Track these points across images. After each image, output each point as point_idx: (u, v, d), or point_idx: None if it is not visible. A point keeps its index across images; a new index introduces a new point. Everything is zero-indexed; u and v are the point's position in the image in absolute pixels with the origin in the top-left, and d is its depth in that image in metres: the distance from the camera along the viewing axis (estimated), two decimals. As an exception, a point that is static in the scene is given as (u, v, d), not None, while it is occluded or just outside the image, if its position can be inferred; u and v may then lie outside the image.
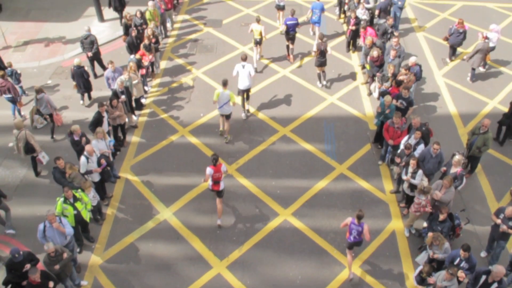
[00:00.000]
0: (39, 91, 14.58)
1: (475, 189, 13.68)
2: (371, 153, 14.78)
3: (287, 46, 18.73)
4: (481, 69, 18.15)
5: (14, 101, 15.47)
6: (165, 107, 16.46)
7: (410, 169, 12.04)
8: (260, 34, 17.83)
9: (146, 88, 16.96)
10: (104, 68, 17.35)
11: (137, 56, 16.22)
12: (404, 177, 12.29)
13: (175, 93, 17.04)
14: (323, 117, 15.97)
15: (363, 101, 16.80)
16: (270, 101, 16.70)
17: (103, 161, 12.33)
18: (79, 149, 12.81)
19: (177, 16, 21.67)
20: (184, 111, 16.27)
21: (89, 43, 17.05)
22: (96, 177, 12.51)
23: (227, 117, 14.87)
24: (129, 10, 19.45)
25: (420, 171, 11.95)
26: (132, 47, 16.90)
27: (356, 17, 18.19)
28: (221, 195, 12.43)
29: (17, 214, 12.61)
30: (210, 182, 12.14)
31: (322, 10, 19.02)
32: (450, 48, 18.53)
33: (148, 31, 16.96)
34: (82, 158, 12.10)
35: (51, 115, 15.06)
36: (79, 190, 11.38)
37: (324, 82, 17.56)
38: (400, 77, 14.89)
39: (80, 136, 12.90)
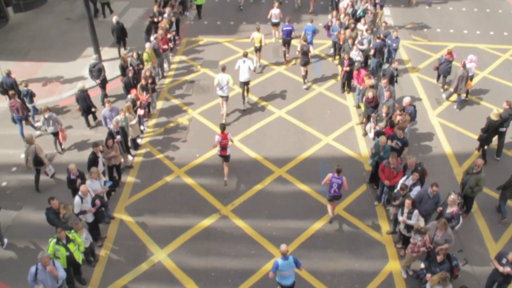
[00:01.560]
0: (46, 110, 15.27)
1: (472, 229, 13.57)
2: (367, 193, 14.74)
3: (284, 51, 21.17)
4: (463, 97, 18.76)
5: (22, 120, 16.23)
6: (161, 147, 16.47)
7: (406, 210, 11.98)
8: (260, 41, 20.14)
9: (142, 128, 17.02)
10: (105, 95, 18.66)
11: (132, 96, 16.32)
12: (400, 218, 12.22)
13: (171, 134, 17.08)
14: (319, 158, 16.01)
15: (358, 141, 16.88)
16: (266, 142, 16.75)
17: (97, 202, 12.24)
18: (73, 187, 12.74)
19: (174, 57, 21.99)
20: (180, 152, 16.27)
21: (97, 70, 18.02)
22: (90, 218, 12.38)
23: (226, 99, 17.28)
24: (127, 52, 19.79)
25: (416, 211, 11.89)
26: (129, 88, 17.04)
27: (350, 59, 18.50)
28: (228, 160, 14.75)
29: (7, 255, 12.42)
30: (218, 148, 14.44)
31: (314, 32, 20.74)
32: (442, 77, 19.54)
33: (145, 72, 17.18)
34: (76, 198, 12.00)
35: (57, 134, 15.75)
36: (72, 231, 11.24)
37: (308, 84, 19.78)
38: (396, 118, 15.02)
39: (77, 176, 12.85)
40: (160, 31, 19.90)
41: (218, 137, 14.29)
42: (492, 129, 15.49)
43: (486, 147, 15.97)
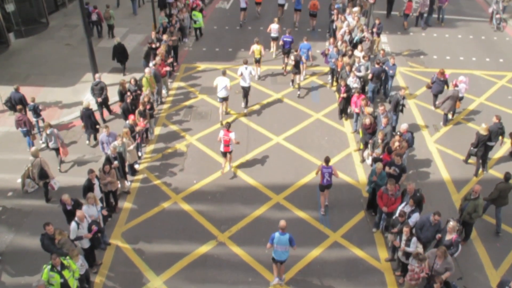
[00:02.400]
0: (47, 126, 15.84)
1: (472, 256, 13.47)
2: (365, 220, 14.65)
3: (283, 61, 22.66)
4: (449, 116, 19.31)
5: (29, 133, 16.87)
6: (159, 173, 16.43)
7: (404, 237, 11.90)
8: (260, 53, 21.66)
9: (139, 153, 17.00)
10: (110, 112, 19.46)
11: (130, 121, 16.36)
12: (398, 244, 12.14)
13: (168, 159, 17.06)
14: (316, 185, 15.91)
15: (356, 168, 16.86)
16: (263, 168, 16.72)
17: (94, 228, 12.13)
18: (72, 218, 12.62)
19: (173, 83, 22.12)
20: (177, 178, 16.23)
21: (99, 89, 18.51)
22: (86, 244, 12.26)
23: (225, 99, 18.83)
24: (125, 78, 19.90)
25: (414, 239, 11.81)
26: (127, 113, 17.09)
27: (346, 85, 18.61)
28: (231, 154, 16.12)
29: (1, 281, 12.21)
30: (222, 146, 15.60)
31: (309, 50, 21.73)
32: (433, 96, 20.08)
33: (144, 98, 17.26)
34: (73, 224, 11.91)
35: (58, 149, 16.18)
36: (67, 257, 11.11)
37: (298, 89, 21.28)
38: (395, 144, 15.05)
39: (72, 205, 12.77)
40: (158, 57, 20.08)
41: (222, 132, 15.58)
42: (481, 144, 16.02)
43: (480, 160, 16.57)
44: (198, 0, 28.35)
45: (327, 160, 14.14)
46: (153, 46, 21.65)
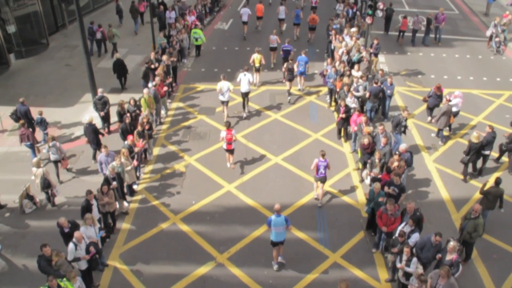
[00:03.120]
0: (50, 138, 16.26)
1: (473, 277, 13.36)
2: (364, 240, 14.57)
3: (283, 70, 23.16)
4: (445, 133, 19.58)
5: (32, 147, 17.23)
6: (157, 193, 16.38)
7: (404, 257, 11.82)
8: (260, 62, 22.82)
9: (138, 174, 16.97)
10: (109, 130, 19.79)
11: (129, 142, 16.37)
12: (398, 265, 12.05)
13: (167, 180, 17.02)
14: (315, 205, 15.91)
15: (355, 188, 16.83)
16: (262, 188, 16.68)
17: (92, 249, 12.05)
18: (70, 240, 12.54)
19: (171, 103, 22.18)
20: (175, 198, 16.17)
21: (102, 103, 19.04)
22: (84, 265, 12.16)
23: (226, 103, 20.12)
24: (124, 98, 19.97)
25: (414, 259, 11.73)
26: (126, 134, 17.09)
27: (346, 105, 18.68)
28: (233, 153, 17.29)
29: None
30: (224, 144, 16.81)
31: (307, 62, 22.58)
32: (428, 109, 20.60)
33: (143, 119, 17.29)
34: (71, 245, 11.83)
35: (59, 161, 16.60)
36: (64, 279, 11.01)
37: (290, 98, 22.42)
38: (394, 164, 15.05)
39: (69, 227, 12.68)
40: (157, 78, 20.19)
41: (224, 132, 16.65)
42: (473, 152, 16.47)
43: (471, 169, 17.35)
44: (196, 20, 28.62)
45: (323, 154, 15.25)
46: (152, 66, 21.78)
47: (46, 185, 15.11)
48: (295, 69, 22.21)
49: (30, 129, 17.48)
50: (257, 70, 23.35)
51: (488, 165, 17.70)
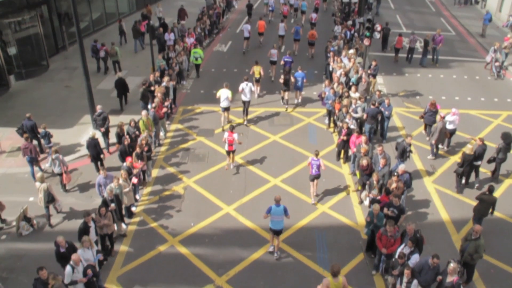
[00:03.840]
0: (53, 152, 16.80)
1: (474, 300, 13.26)
2: (364, 262, 14.45)
3: (280, 80, 23.77)
4: (445, 148, 20.35)
5: (34, 161, 17.65)
6: (156, 215, 16.30)
7: (405, 279, 11.72)
8: (259, 73, 24.18)
9: (137, 196, 16.92)
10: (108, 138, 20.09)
11: (128, 163, 16.35)
12: (398, 287, 11.95)
13: (166, 202, 16.96)
14: (314, 227, 15.83)
15: (354, 209, 16.76)
16: (261, 210, 16.44)
17: (89, 272, 11.94)
18: (64, 262, 12.44)
19: (170, 125, 22.22)
20: (174, 220, 16.09)
21: (102, 119, 19.41)
22: (81, 288, 12.06)
23: (227, 109, 21.50)
24: (124, 119, 20.02)
25: (415, 281, 11.66)
26: (125, 155, 17.09)
27: (348, 128, 18.68)
28: (234, 154, 18.48)
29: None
30: (226, 145, 17.93)
31: (303, 78, 23.44)
32: (425, 126, 21.20)
33: (141, 141, 17.30)
34: (68, 268, 11.74)
35: (61, 174, 16.93)
36: (61, 304, 10.91)
37: (286, 106, 23.74)
38: (393, 186, 15.02)
39: (66, 248, 12.60)
40: (156, 99, 20.26)
41: (226, 134, 17.86)
42: (467, 163, 17.15)
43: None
44: (195, 42, 28.85)
45: (316, 154, 16.41)
46: (152, 88, 21.90)
47: (50, 199, 15.31)
48: (292, 79, 23.31)
49: (34, 144, 17.84)
50: (257, 81, 24.57)
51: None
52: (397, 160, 17.50)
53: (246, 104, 22.03)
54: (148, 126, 18.90)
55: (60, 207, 16.03)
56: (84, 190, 17.55)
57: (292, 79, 23.42)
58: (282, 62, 25.52)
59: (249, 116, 21.83)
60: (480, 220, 15.03)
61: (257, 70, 24.26)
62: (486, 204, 14.93)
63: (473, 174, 17.93)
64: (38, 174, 15.79)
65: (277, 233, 14.23)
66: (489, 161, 18.18)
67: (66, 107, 23.57)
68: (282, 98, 24.11)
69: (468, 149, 17.07)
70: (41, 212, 15.84)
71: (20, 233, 15.25)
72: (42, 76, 27.34)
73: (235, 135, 17.93)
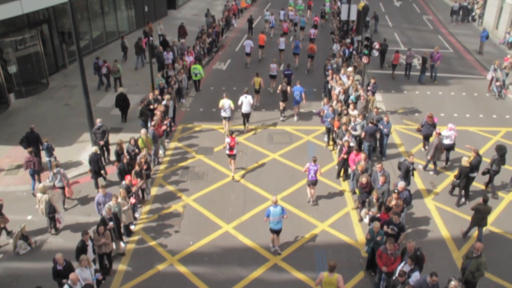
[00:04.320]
0: (54, 165, 17.02)
1: (476, 319, 13.12)
2: (364, 281, 14.34)
3: (278, 91, 24.52)
4: (444, 164, 20.39)
5: (36, 174, 17.88)
6: (154, 234, 16.20)
7: (406, 298, 11.63)
8: (259, 84, 25.20)
9: (136, 214, 16.84)
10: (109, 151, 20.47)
11: (127, 182, 16.32)
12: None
13: (165, 220, 16.87)
14: (314, 245, 15.74)
15: (354, 227, 16.68)
16: (261, 229, 16.49)
17: (87, 292, 11.86)
18: (60, 280, 12.34)
19: (170, 143, 22.22)
20: (173, 239, 15.99)
21: (101, 132, 19.70)
22: (78, 309, 11.95)
23: (228, 119, 22.56)
24: (123, 137, 20.03)
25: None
26: (124, 174, 17.06)
27: (349, 146, 18.66)
28: (235, 158, 19.11)
29: None
30: (227, 150, 18.77)
31: (302, 92, 23.94)
32: (423, 138, 21.44)
33: (141, 159, 17.28)
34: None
35: (63, 188, 17.13)
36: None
37: (283, 115, 24.70)
38: (392, 203, 14.97)
39: (64, 266, 12.50)
40: (156, 117, 20.29)
41: (228, 139, 18.70)
42: (463, 175, 17.41)
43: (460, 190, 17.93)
44: (195, 61, 29.01)
45: (314, 160, 17.18)
46: (151, 107, 21.96)
47: (52, 210, 15.49)
48: (288, 90, 24.13)
49: (36, 157, 17.97)
50: (257, 92, 25.50)
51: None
52: (399, 179, 17.41)
53: (245, 116, 22.98)
54: (147, 144, 18.89)
55: (62, 219, 16.08)
56: (83, 208, 17.47)
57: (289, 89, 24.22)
58: (282, 76, 26.37)
59: (249, 134, 21.84)
60: (481, 229, 15.41)
61: (258, 82, 25.25)
62: (481, 214, 15.25)
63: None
64: (40, 185, 15.95)
65: (277, 232, 15.07)
66: (484, 173, 18.35)
67: (66, 125, 23.58)
68: (281, 111, 24.64)
69: (465, 161, 17.29)
70: (39, 231, 15.80)
71: (17, 252, 15.14)
72: (42, 94, 27.40)
73: (236, 140, 18.89)
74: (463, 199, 17.93)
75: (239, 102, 22.67)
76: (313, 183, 17.36)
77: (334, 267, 12.01)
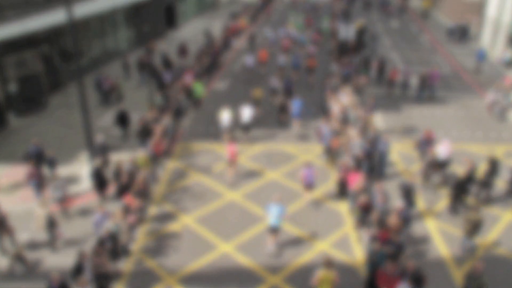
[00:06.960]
0: (55, 177, 17.71)
1: None
2: (364, 302, 14.25)
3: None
4: (437, 181, 20.53)
5: (40, 186, 18.26)
6: (152, 254, 16.11)
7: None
8: (259, 96, 26.48)
9: (134, 234, 16.76)
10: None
11: (125, 201, 16.28)
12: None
13: (163, 241, 16.80)
14: (313, 265, 15.63)
15: (353, 247, 16.60)
16: (259, 249, 16.44)
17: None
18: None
19: (169, 162, 22.21)
20: (171, 259, 15.89)
21: (102, 148, 20.22)
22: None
23: (229, 130, 23.52)
24: (122, 156, 20.05)
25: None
26: (122, 193, 17.02)
27: (348, 166, 18.63)
28: (234, 165, 20.12)
29: None
30: (229, 155, 19.66)
31: (301, 106, 24.46)
32: (420, 156, 21.59)
33: (139, 178, 17.27)
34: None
35: (63, 200, 17.58)
36: None
37: (283, 128, 25.45)
38: (391, 222, 14.93)
39: (59, 286, 12.40)
40: (155, 137, 20.32)
41: (229, 147, 19.79)
42: (459, 186, 17.86)
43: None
44: (194, 79, 29.16)
45: (307, 164, 18.24)
46: (149, 127, 21.99)
47: (52, 224, 15.66)
48: (288, 106, 24.95)
49: (38, 170, 18.40)
50: (257, 103, 26.49)
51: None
52: (399, 198, 17.36)
53: (245, 127, 23.83)
54: (146, 163, 18.88)
55: (61, 235, 16.21)
56: (80, 228, 17.35)
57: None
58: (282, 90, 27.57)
59: (248, 151, 21.79)
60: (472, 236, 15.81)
61: (258, 93, 26.51)
62: (472, 223, 15.50)
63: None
64: (40, 199, 16.22)
65: (275, 230, 15.76)
66: (478, 185, 18.72)
67: (64, 144, 23.61)
68: (280, 121, 25.68)
69: (460, 173, 17.64)
70: (36, 249, 15.69)
71: (12, 272, 15.03)
72: (42, 113, 27.54)
73: (235, 147, 19.83)
74: (460, 209, 18.29)
75: (240, 113, 23.60)
76: (309, 186, 18.00)
77: (331, 263, 12.91)
